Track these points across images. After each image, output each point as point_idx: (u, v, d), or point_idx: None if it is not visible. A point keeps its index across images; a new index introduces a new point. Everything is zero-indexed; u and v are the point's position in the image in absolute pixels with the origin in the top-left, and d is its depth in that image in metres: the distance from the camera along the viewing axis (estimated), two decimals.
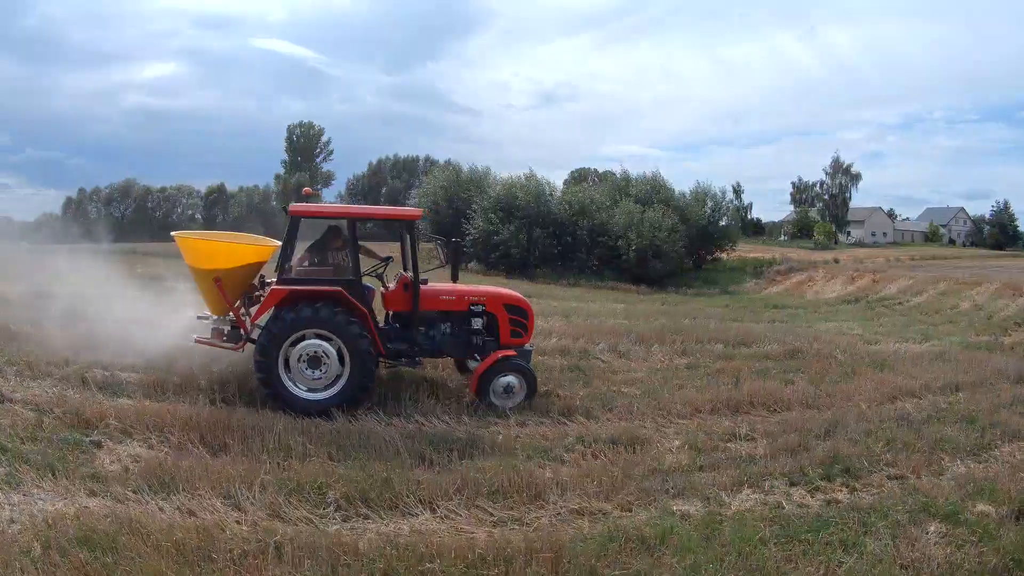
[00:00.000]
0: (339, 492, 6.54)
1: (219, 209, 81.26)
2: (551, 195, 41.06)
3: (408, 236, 10.07)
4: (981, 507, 6.85)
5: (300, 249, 9.79)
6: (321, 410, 8.94)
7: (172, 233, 10.23)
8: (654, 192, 41.93)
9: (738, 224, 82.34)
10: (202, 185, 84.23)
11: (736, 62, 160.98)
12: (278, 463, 7.19)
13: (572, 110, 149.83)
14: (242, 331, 9.70)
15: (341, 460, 7.43)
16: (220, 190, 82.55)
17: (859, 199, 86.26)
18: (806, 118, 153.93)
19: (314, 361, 9.16)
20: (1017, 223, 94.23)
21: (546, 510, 6.67)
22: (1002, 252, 72.83)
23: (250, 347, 9.60)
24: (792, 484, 7.56)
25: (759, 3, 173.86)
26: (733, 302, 29.75)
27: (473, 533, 6.09)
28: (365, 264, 10.03)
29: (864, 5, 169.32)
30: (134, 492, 6.39)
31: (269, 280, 9.99)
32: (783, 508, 6.94)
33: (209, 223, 74.00)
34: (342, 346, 9.15)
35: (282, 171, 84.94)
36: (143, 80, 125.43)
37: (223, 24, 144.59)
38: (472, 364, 10.59)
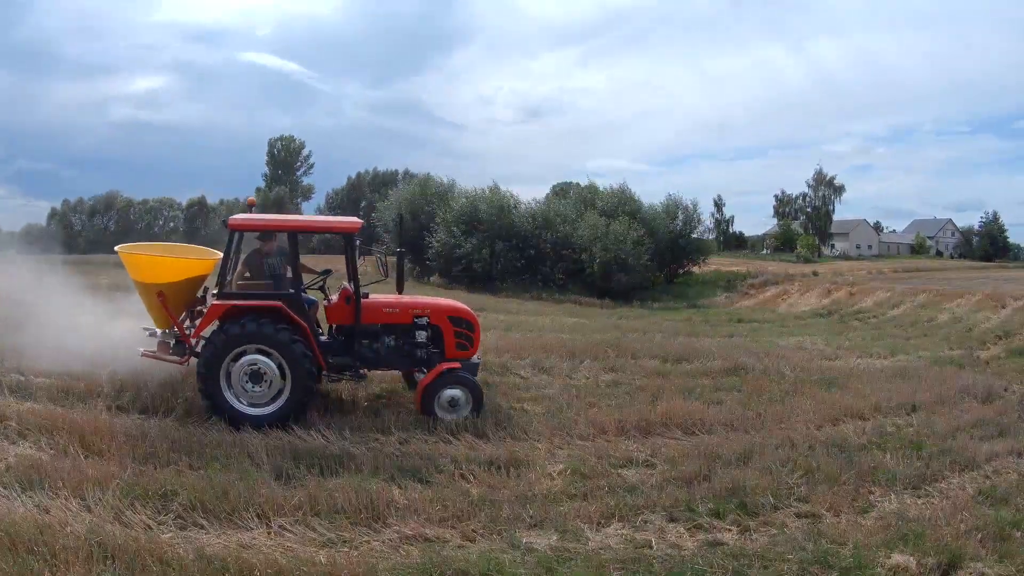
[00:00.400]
0: (183, 501, 6.36)
1: (200, 222, 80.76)
2: (515, 208, 39.69)
3: (348, 248, 9.77)
4: (898, 558, 5.50)
5: (241, 262, 9.69)
6: (265, 423, 8.80)
7: (116, 247, 10.11)
8: (620, 204, 40.35)
9: (718, 237, 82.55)
10: (185, 197, 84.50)
11: (722, 75, 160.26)
12: (140, 468, 7.10)
13: (557, 124, 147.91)
14: (186, 345, 9.57)
15: (199, 469, 7.20)
16: (201, 203, 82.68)
17: (847, 212, 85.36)
18: (793, 131, 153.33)
19: (256, 376, 9.01)
20: (1007, 234, 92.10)
21: (382, 534, 6.14)
22: (990, 263, 71.19)
23: (195, 360, 9.43)
24: (672, 520, 6.35)
25: (745, 16, 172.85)
26: (697, 316, 28.45)
27: (296, 552, 5.67)
28: (307, 277, 9.96)
29: (852, 18, 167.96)
30: (5, 488, 6.50)
31: (214, 292, 9.77)
32: (650, 548, 5.77)
33: (191, 235, 73.13)
34: (282, 361, 9.00)
35: (263, 184, 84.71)
36: (132, 92, 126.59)
37: (212, 38, 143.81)
38: (418, 377, 10.16)
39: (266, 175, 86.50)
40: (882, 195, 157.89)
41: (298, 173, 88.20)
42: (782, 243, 76.47)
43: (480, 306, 29.09)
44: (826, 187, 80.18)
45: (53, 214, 79.97)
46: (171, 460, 7.36)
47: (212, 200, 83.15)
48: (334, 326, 9.91)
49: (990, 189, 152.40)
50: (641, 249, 36.42)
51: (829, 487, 7.07)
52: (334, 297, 9.97)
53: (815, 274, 44.72)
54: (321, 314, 10.07)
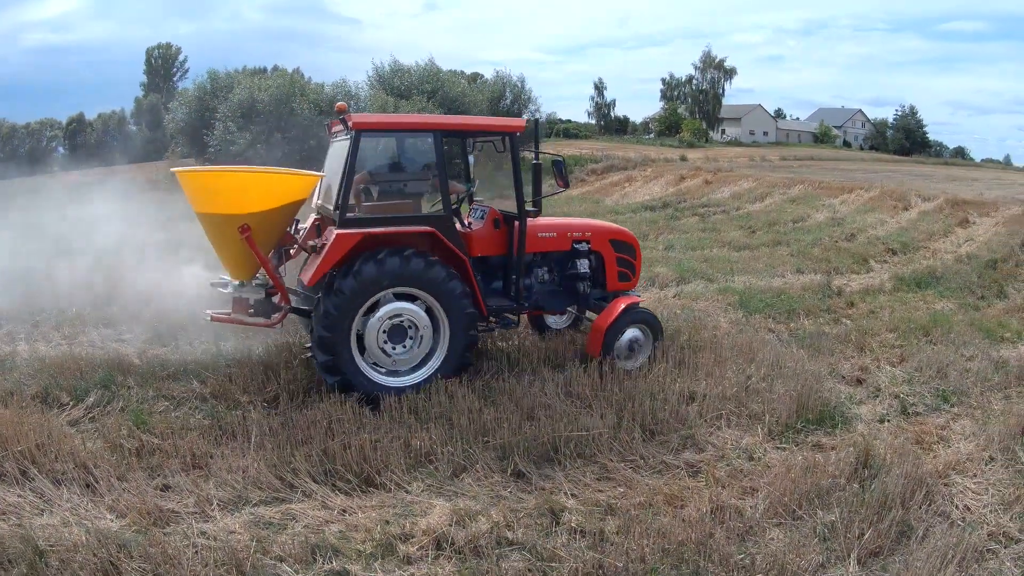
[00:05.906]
0: None
1: (81, 139, 79.15)
2: (300, 94, 33.18)
3: (514, 154, 7.32)
4: None
5: (358, 179, 7.10)
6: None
7: (173, 169, 7.04)
8: (421, 82, 34.44)
9: (599, 121, 75.12)
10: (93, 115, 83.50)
11: None
12: None
13: (457, 16, 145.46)
14: (280, 299, 6.95)
15: None
16: (79, 120, 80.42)
17: (750, 100, 78.34)
18: (700, 21, 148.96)
19: (396, 332, 6.65)
20: (926, 129, 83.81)
21: None
22: (906, 158, 63.76)
23: (291, 320, 7.37)
24: None
25: None
26: None
27: None
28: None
29: None
30: None
31: (303, 225, 7.62)
32: None
33: (72, 153, 73.43)
34: (437, 309, 6.77)
35: (142, 93, 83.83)
36: (43, 18, 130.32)
37: None
38: (553, 321, 8.53)
39: (144, 84, 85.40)
40: (794, 86, 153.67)
41: (175, 79, 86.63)
42: (667, 128, 69.15)
43: None
44: (715, 70, 72.37)
45: None
46: None
47: (90, 115, 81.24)
48: (475, 258, 7.42)
49: (910, 88, 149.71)
50: None
51: None
52: (473, 221, 7.66)
53: (684, 159, 37.40)
54: None
